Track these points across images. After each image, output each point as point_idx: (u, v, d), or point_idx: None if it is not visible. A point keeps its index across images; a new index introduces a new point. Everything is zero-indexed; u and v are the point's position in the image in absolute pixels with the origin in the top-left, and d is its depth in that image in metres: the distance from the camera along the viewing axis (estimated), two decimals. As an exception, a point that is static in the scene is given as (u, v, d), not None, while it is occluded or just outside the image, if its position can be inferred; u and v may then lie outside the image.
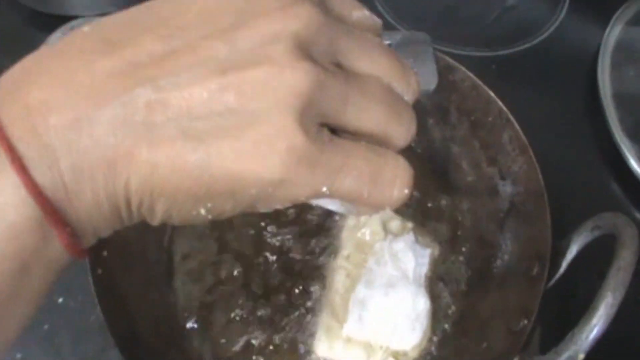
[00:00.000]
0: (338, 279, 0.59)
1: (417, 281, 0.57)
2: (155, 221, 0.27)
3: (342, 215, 0.62)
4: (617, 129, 0.68)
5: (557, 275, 0.52)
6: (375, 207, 0.28)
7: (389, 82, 0.29)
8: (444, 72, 0.64)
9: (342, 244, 0.60)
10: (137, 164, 0.24)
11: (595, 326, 0.43)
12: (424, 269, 0.58)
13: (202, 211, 0.26)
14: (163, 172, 0.24)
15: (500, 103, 0.60)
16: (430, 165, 0.66)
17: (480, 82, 0.62)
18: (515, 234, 0.58)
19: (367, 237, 0.59)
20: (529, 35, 0.81)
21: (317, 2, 0.27)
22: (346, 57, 0.28)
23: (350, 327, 0.55)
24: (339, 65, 0.28)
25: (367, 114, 0.27)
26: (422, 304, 0.56)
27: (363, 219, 0.60)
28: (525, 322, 0.50)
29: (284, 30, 0.25)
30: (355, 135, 0.28)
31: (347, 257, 0.59)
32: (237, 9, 0.25)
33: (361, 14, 0.31)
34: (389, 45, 0.50)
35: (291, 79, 0.24)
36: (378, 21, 0.32)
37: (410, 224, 0.60)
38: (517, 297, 0.54)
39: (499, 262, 0.59)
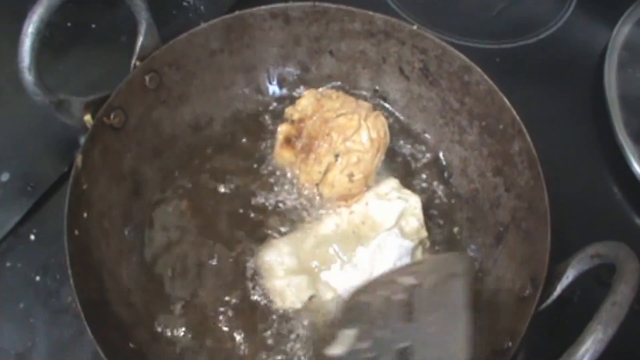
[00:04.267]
0: (328, 221, 0.58)
1: None
2: None
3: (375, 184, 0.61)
4: (621, 131, 0.66)
5: (550, 300, 0.49)
6: None
7: None
8: (458, 72, 0.61)
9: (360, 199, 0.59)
10: None
11: (580, 361, 0.41)
12: None
13: None
14: None
15: (514, 112, 0.57)
16: (436, 168, 0.64)
17: (496, 88, 0.59)
18: (512, 251, 0.56)
19: (378, 215, 0.57)
20: (534, 29, 0.77)
21: None
22: None
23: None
24: None
25: None
26: None
27: (393, 195, 0.58)
28: (510, 344, 0.48)
29: None
30: None
31: (351, 212, 0.58)
32: None
33: None
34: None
35: None
36: None
37: (425, 234, 0.58)
38: (505, 316, 0.51)
39: (490, 278, 0.56)
